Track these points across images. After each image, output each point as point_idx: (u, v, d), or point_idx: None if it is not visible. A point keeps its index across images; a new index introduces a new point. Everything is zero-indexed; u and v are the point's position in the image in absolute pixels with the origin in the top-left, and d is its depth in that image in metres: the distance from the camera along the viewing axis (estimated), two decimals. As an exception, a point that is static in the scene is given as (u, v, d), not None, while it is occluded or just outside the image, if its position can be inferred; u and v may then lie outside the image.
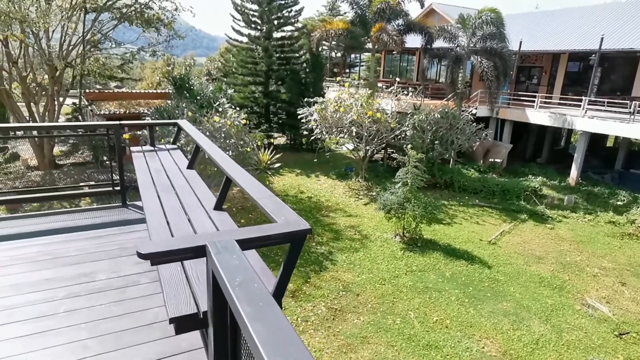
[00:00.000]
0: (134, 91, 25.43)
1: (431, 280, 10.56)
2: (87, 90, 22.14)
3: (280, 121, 23.91)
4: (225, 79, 24.98)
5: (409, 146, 13.96)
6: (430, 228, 13.20)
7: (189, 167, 4.13)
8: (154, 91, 24.35)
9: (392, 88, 16.99)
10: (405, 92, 17.21)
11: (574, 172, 18.82)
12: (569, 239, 13.70)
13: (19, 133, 19.34)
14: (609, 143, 26.18)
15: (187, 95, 15.25)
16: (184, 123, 4.79)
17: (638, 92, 19.86)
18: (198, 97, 14.83)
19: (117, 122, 4.61)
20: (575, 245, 13.19)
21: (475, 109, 20.84)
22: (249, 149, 12.08)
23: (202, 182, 3.62)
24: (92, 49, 18.52)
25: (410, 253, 12.03)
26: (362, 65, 35.07)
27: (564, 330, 8.76)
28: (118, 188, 4.95)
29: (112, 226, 4.31)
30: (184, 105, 15.00)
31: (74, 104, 19.15)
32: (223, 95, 17.91)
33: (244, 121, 12.68)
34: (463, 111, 18.13)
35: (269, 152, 17.52)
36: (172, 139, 5.54)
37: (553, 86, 23.07)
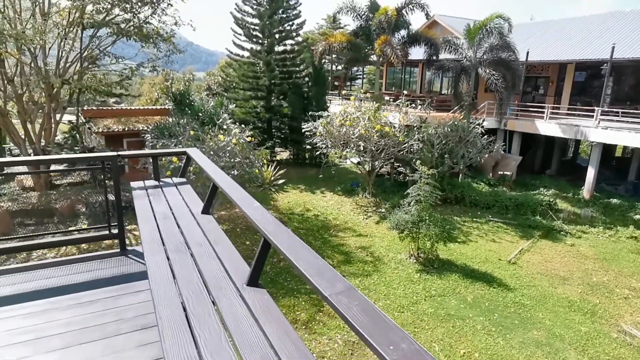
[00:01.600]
0: (132, 107, 24.93)
1: (453, 307, 9.84)
2: (85, 108, 21.60)
3: (283, 136, 23.35)
4: (226, 94, 24.52)
5: (418, 162, 13.35)
6: (446, 247, 12.50)
7: (205, 211, 3.42)
8: (153, 107, 23.82)
9: (399, 101, 16.46)
10: (413, 105, 16.66)
11: (588, 184, 18.22)
12: (592, 256, 13.01)
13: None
14: (617, 153, 25.70)
15: (189, 111, 14.67)
16: (194, 152, 4.15)
17: (650, 101, 19.39)
18: (200, 114, 14.24)
19: (115, 154, 3.93)
20: (600, 264, 12.50)
21: (483, 120, 20.33)
22: (257, 171, 11.44)
23: (222, 234, 2.94)
24: (90, 66, 18.01)
25: (427, 275, 11.32)
26: (364, 78, 34.70)
27: (604, 363, 8.03)
28: (116, 231, 4.15)
29: (108, 284, 3.56)
30: (184, 122, 14.43)
31: (70, 122, 18.57)
32: (224, 110, 17.38)
33: (249, 138, 12.08)
34: (472, 123, 17.57)
35: (273, 168, 16.94)
36: (180, 170, 4.83)
37: (560, 96, 22.61)
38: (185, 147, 11.79)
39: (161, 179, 4.48)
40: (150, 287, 2.27)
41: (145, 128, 17.20)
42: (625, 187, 19.60)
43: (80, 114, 19.58)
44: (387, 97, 17.07)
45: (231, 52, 23.38)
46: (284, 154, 25.02)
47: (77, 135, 17.75)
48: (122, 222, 4.11)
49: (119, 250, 4.20)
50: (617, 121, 17.49)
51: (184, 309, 2.03)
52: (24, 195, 16.78)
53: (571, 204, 17.68)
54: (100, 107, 22.15)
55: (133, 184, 4.28)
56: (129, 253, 4.17)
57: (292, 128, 22.31)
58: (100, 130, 18.65)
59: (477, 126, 16.73)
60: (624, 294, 10.78)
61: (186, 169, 4.72)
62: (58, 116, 17.78)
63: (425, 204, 11.68)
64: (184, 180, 4.59)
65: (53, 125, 17.35)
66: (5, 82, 16.06)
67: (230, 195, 2.71)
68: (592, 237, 14.59)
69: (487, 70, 17.38)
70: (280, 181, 18.28)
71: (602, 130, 16.97)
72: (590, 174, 17.96)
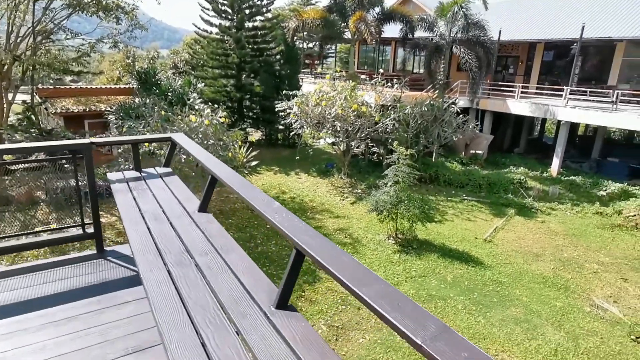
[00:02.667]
0: (93, 86, 23.44)
1: (433, 287, 9.89)
2: (41, 86, 20.06)
3: (255, 116, 22.64)
4: (193, 72, 23.41)
5: (395, 142, 13.22)
6: (424, 227, 12.54)
7: (202, 209, 2.92)
8: (116, 86, 22.45)
9: (375, 80, 16.15)
10: (389, 84, 16.43)
11: (555, 162, 18.75)
12: (562, 232, 13.44)
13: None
14: (579, 131, 26.63)
15: (156, 90, 13.82)
16: (180, 138, 3.67)
17: (614, 80, 20.00)
18: (169, 94, 13.44)
19: (88, 141, 3.33)
20: (569, 240, 12.93)
21: (456, 99, 20.42)
22: (230, 154, 10.93)
23: (230, 238, 2.51)
24: (43, 41, 16.61)
25: (406, 256, 11.33)
26: (336, 57, 34.04)
27: (580, 337, 8.30)
28: (91, 230, 3.50)
29: (87, 294, 2.95)
30: (152, 102, 13.60)
31: (24, 102, 17.18)
32: (193, 89, 16.56)
33: (222, 119, 11.50)
34: (446, 102, 17.57)
35: (245, 149, 16.39)
36: (163, 159, 4.35)
37: (529, 75, 22.99)
38: (155, 129, 11.11)
39: (143, 169, 3.93)
40: (154, 316, 1.83)
41: (109, 108, 16.15)
42: (589, 165, 20.32)
43: (35, 94, 18.15)
44: (363, 76, 16.69)
45: (199, 28, 22.21)
46: (256, 135, 24.35)
47: (33, 117, 16.46)
48: (99, 219, 3.53)
49: (95, 252, 3.58)
50: (584, 100, 17.95)
51: (203, 347, 1.63)
52: (-25, 182, 15.53)
53: (540, 181, 18.16)
54: (57, 86, 20.62)
55: (111, 176, 3.74)
56: (108, 255, 3.57)
57: (264, 107, 21.64)
58: (58, 110, 17.39)
59: (453, 105, 16.71)
60: (593, 269, 11.19)
61: (171, 157, 4.17)
62: (10, 96, 16.39)
63: (403, 185, 11.60)
64: (169, 170, 4.03)
65: (5, 106, 15.99)
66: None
67: (241, 193, 2.30)
68: (561, 213, 15.06)
69: (462, 49, 17.29)
70: (254, 163, 17.74)
71: (570, 109, 17.38)
72: (558, 152, 18.46)
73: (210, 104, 18.16)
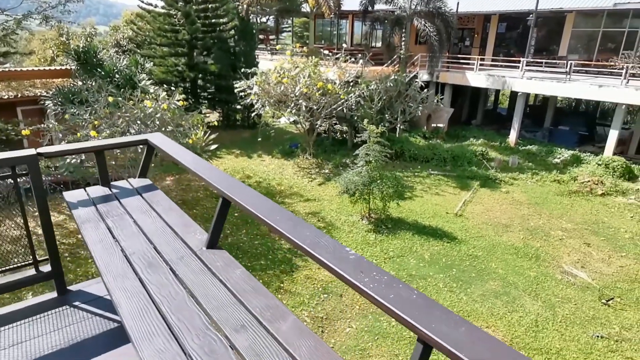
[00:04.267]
0: (23, 69, 21.04)
1: (413, 266, 9.81)
2: (-41, 70, 17.65)
3: (210, 96, 21.39)
4: (139, 51, 21.61)
5: (366, 121, 12.85)
6: (396, 205, 12.40)
7: (212, 243, 2.21)
8: (51, 68, 20.26)
9: (339, 55, 15.55)
10: (353, 60, 15.91)
11: (512, 132, 19.28)
12: (525, 202, 13.84)
13: None
14: (530, 101, 27.64)
15: (101, 72, 12.46)
16: (158, 139, 2.95)
17: (564, 51, 20.68)
18: (117, 76, 12.15)
19: (33, 152, 2.44)
20: (533, 208, 13.34)
21: (416, 73, 20.33)
22: (191, 140, 10.07)
23: (276, 300, 1.82)
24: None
25: (382, 236, 11.17)
26: (293, 32, 32.74)
27: (556, 305, 8.54)
28: (47, 269, 2.64)
29: None
30: (94, 84, 12.25)
31: (-59, 89, 15.00)
32: (141, 70, 15.17)
33: (181, 103, 10.53)
34: (407, 77, 17.36)
35: (202, 132, 15.40)
36: (139, 166, 3.31)
37: (485, 48, 23.31)
38: (103, 117, 9.96)
39: (112, 183, 3.10)
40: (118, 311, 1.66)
41: (45, 93, 14.46)
42: (542, 134, 21.15)
43: (-47, 79, 15.92)
44: (326, 52, 16.03)
45: (142, 1, 20.34)
46: (212, 116, 23.12)
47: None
48: (57, 253, 2.66)
49: (56, 295, 2.69)
50: (538, 71, 18.42)
51: None
52: None
53: (499, 152, 18.64)
54: (-20, 70, 18.25)
55: (69, 196, 2.84)
56: (73, 299, 2.66)
57: (220, 87, 20.45)
58: (-16, 98, 15.37)
59: (418, 81, 16.53)
60: (558, 236, 11.61)
61: (148, 164, 3.31)
62: None
63: (376, 164, 11.31)
64: (148, 182, 3.20)
65: None
66: None
67: (266, 219, 1.74)
68: (522, 183, 15.53)
69: (423, 22, 17.03)
70: (213, 146, 16.79)
71: (527, 80, 17.77)
72: (516, 122, 18.96)
73: (162, 85, 16.84)
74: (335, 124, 19.49)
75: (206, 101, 21.39)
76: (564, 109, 25.10)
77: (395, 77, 16.34)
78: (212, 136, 16.71)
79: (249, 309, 1.75)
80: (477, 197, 14.04)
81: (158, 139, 2.97)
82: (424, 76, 19.32)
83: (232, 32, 20.98)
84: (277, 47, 21.30)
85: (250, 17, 21.47)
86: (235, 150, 18.72)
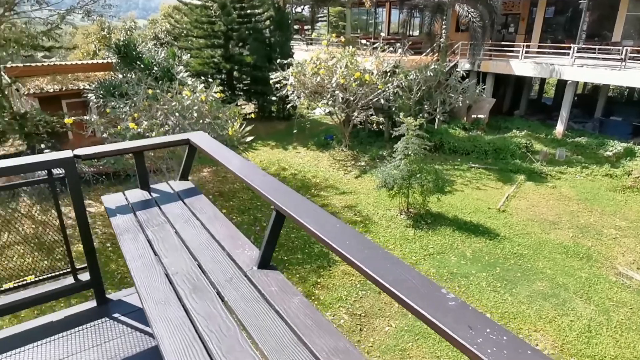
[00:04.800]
0: (67, 63, 21.83)
1: (454, 264, 9.43)
2: (9, 65, 18.50)
3: (246, 88, 21.45)
4: (176, 43, 21.92)
5: (402, 114, 12.42)
6: (437, 200, 11.97)
7: (264, 263, 1.98)
8: (93, 62, 20.92)
9: (377, 44, 15.10)
10: (392, 49, 15.42)
11: (560, 124, 18.21)
12: (574, 197, 13.04)
13: None
14: (579, 90, 26.05)
15: (140, 65, 12.65)
16: (200, 138, 2.77)
17: (618, 37, 19.24)
18: (155, 68, 12.31)
19: (69, 154, 2.27)
20: (583, 205, 12.54)
21: (457, 62, 19.54)
22: (230, 132, 10.05)
23: (329, 325, 1.62)
24: (6, 13, 15.06)
25: (421, 232, 10.82)
26: (329, 21, 32.25)
27: (610, 310, 7.96)
28: (86, 277, 2.51)
29: None
30: (136, 78, 12.47)
31: (-7, 83, 15.75)
32: (179, 62, 15.33)
33: (218, 94, 10.53)
34: (449, 66, 16.69)
35: (239, 124, 15.43)
36: (181, 167, 3.08)
37: (531, 34, 22.06)
38: (142, 109, 10.10)
39: (152, 186, 2.90)
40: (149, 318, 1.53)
41: (88, 86, 14.91)
42: (592, 125, 19.85)
43: (3, 73, 16.69)
44: (364, 41, 15.61)
45: (179, -6, 20.56)
46: (247, 108, 23.23)
47: (3, 100, 15.13)
48: (96, 260, 2.52)
49: (95, 304, 2.58)
50: (590, 58, 17.23)
51: None
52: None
53: (545, 144, 17.66)
54: (28, 64, 19.07)
55: (107, 200, 2.69)
56: (113, 310, 2.55)
57: (256, 78, 20.46)
58: (32, 91, 16.06)
59: (460, 70, 15.86)
60: (612, 235, 10.85)
61: (190, 166, 3.09)
62: (-23, 77, 15.01)
63: (415, 158, 10.91)
64: (190, 185, 2.96)
65: (-28, 89, 14.64)
66: None
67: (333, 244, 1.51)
68: (570, 177, 14.65)
69: (465, 8, 16.25)
70: (249, 138, 16.86)
71: (577, 68, 16.67)
72: (564, 113, 17.89)
73: (199, 77, 17.00)
74: (372, 115, 19.10)
75: (242, 93, 21.48)
76: (616, 98, 23.51)
77: (435, 66, 15.72)
78: (248, 128, 16.77)
79: (314, 352, 1.49)
80: (521, 192, 13.35)
81: (201, 139, 2.78)
82: (465, 65, 18.51)
83: (268, 22, 20.87)
84: (313, 36, 20.94)
85: (286, 7, 21.25)
86: (271, 142, 18.72)
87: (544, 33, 21.64)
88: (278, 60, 15.79)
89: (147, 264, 2.06)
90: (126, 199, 2.76)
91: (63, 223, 2.39)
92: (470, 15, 15.99)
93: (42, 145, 15.93)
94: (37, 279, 2.39)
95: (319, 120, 21.85)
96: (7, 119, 14.47)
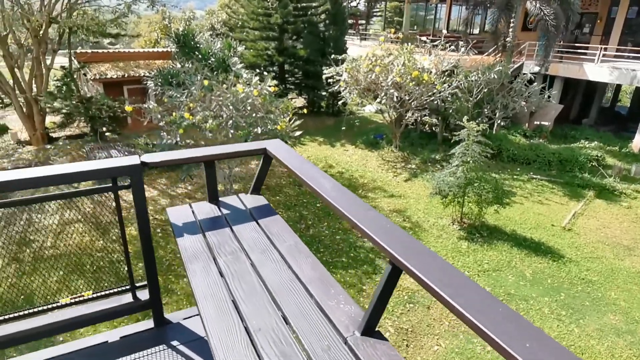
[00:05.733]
0: (130, 50, 22.65)
1: (511, 284, 8.68)
2: (80, 50, 19.45)
3: (297, 81, 21.28)
4: (232, 34, 22.11)
5: (465, 118, 11.62)
6: (495, 212, 11.14)
7: (369, 330, 1.54)
8: (154, 50, 21.57)
9: (438, 42, 14.31)
10: (453, 47, 14.58)
11: (638, 136, 16.52)
12: (653, 220, 11.70)
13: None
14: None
15: (198, 55, 12.73)
16: (278, 147, 2.46)
17: None
18: (211, 59, 12.33)
19: (137, 161, 2.04)
20: (664, 229, 11.22)
21: (521, 64, 18.25)
22: (280, 127, 9.82)
23: None
24: (79, 1, 15.74)
25: (475, 245, 10.09)
26: (385, 16, 31.43)
27: (699, 356, 6.95)
28: (145, 296, 2.28)
29: None
30: (191, 67, 12.56)
31: (62, 67, 16.59)
32: (233, 53, 15.34)
33: (272, 88, 10.32)
34: (514, 68, 15.56)
35: (290, 119, 15.24)
36: (253, 179, 2.74)
37: (608, 36, 20.17)
38: (198, 100, 10.08)
39: (221, 199, 2.59)
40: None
41: (148, 74, 15.29)
42: (675, 139, 17.86)
43: (73, 58, 17.53)
44: (424, 38, 14.87)
45: (238, -15, 20.66)
46: (297, 102, 23.08)
47: (73, 85, 15.85)
48: (157, 278, 2.28)
49: (152, 326, 2.35)
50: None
51: None
52: (20, 150, 15.31)
53: (618, 158, 16.09)
54: (95, 50, 19.94)
55: (172, 212, 2.43)
56: (172, 335, 2.32)
57: (308, 73, 20.22)
58: (97, 77, 16.74)
59: (528, 73, 14.75)
60: (699, 267, 9.57)
61: (263, 178, 2.71)
62: (49, 61, 15.83)
63: (474, 165, 10.17)
64: (262, 200, 2.63)
65: (44, 71, 15.46)
66: (-16, 20, 13.96)
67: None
68: (648, 197, 13.20)
69: (537, 4, 15.03)
70: (297, 133, 16.67)
71: (664, 75, 14.98)
72: (643, 124, 16.20)
73: (253, 69, 16.96)
74: (425, 115, 18.29)
75: (293, 86, 21.35)
76: None
77: (500, 67, 14.69)
78: (297, 122, 16.57)
79: None
80: (590, 210, 12.18)
81: (279, 148, 2.43)
82: (534, 68, 17.20)
83: (323, 16, 20.52)
84: (370, 32, 20.35)
85: (343, 1, 20.80)
86: (319, 138, 18.44)
87: (624, 35, 19.71)
88: (332, 55, 15.40)
89: (222, 310, 1.71)
90: (193, 212, 2.46)
91: (125, 237, 2.16)
92: (543, 13, 14.75)
93: (104, 129, 16.63)
94: (94, 294, 2.17)
95: (368, 117, 21.30)
96: (74, 102, 15.15)
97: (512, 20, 16.04)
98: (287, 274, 1.94)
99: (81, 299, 2.11)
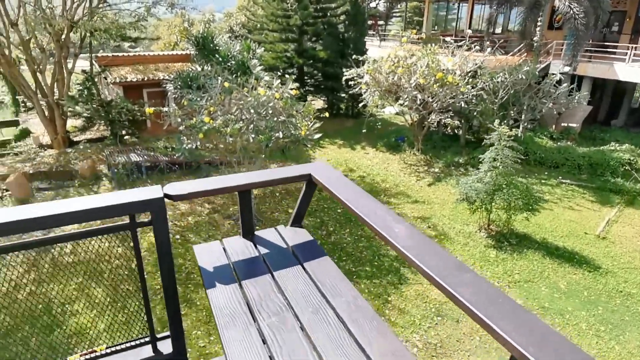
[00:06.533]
0: (150, 53, 22.81)
1: (545, 297, 8.25)
2: (101, 54, 19.63)
3: (317, 83, 21.06)
4: (250, 36, 22.03)
5: (497, 122, 11.19)
6: (525, 220, 10.68)
7: None
8: (173, 53, 21.65)
9: (461, 42, 13.89)
10: (479, 48, 14.13)
11: (673, 139, 15.74)
12: (694, 229, 11.06)
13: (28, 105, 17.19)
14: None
15: (218, 58, 12.61)
16: (323, 171, 2.17)
17: None
18: (232, 61, 12.19)
19: (159, 194, 1.72)
20: None
21: (548, 64, 17.63)
22: (303, 132, 9.59)
23: None
24: (99, 5, 15.83)
25: (504, 254, 9.67)
26: (404, 17, 30.94)
27: None
28: (168, 349, 1.93)
29: None
30: (211, 69, 12.45)
31: (83, 71, 16.72)
32: (253, 55, 15.20)
33: (294, 92, 10.10)
34: (541, 68, 15.01)
35: (311, 122, 15.01)
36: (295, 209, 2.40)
37: (637, 34, 19.37)
38: (218, 103, 9.92)
39: (256, 232, 2.25)
40: None
41: (167, 77, 15.28)
42: None
43: (94, 62, 17.67)
44: (447, 39, 14.47)
45: (257, -13, 20.56)
46: (317, 104, 22.85)
47: (93, 88, 15.94)
48: (182, 327, 1.95)
49: None
50: None
51: None
52: (41, 154, 15.47)
53: (652, 162, 15.34)
54: (115, 54, 20.11)
55: (200, 251, 2.08)
56: None
57: (327, 74, 19.97)
58: (117, 80, 16.83)
59: (558, 74, 14.21)
60: None
61: (305, 207, 2.39)
62: (70, 65, 15.97)
63: (505, 170, 9.75)
64: (306, 235, 2.27)
65: (66, 75, 15.60)
66: (9, 25, 14.14)
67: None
68: (687, 203, 12.52)
69: (566, 2, 14.46)
70: (317, 135, 16.44)
71: (703, 75, 14.22)
72: (679, 127, 15.42)
73: (272, 71, 16.82)
74: (447, 117, 17.84)
75: (312, 88, 21.13)
76: None
77: (528, 68, 14.17)
78: (317, 125, 16.32)
79: None
80: (625, 217, 11.60)
81: (326, 173, 2.12)
82: (565, 68, 16.58)
83: (343, 17, 20.25)
84: (391, 32, 19.99)
85: (362, 2, 20.50)
86: (338, 141, 18.17)
87: (657, 33, 18.90)
88: (353, 57, 15.12)
89: None
90: (225, 252, 2.11)
91: (144, 279, 1.85)
92: (573, 12, 14.18)
93: (124, 132, 16.70)
94: (107, 349, 1.86)
95: (388, 120, 20.93)
96: (95, 106, 15.24)
97: (539, 19, 15.48)
98: (349, 344, 1.56)
99: (93, 354, 1.82)
